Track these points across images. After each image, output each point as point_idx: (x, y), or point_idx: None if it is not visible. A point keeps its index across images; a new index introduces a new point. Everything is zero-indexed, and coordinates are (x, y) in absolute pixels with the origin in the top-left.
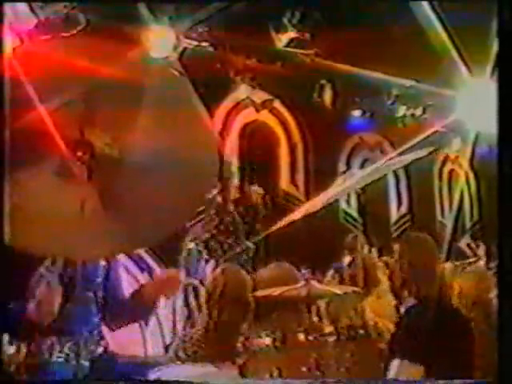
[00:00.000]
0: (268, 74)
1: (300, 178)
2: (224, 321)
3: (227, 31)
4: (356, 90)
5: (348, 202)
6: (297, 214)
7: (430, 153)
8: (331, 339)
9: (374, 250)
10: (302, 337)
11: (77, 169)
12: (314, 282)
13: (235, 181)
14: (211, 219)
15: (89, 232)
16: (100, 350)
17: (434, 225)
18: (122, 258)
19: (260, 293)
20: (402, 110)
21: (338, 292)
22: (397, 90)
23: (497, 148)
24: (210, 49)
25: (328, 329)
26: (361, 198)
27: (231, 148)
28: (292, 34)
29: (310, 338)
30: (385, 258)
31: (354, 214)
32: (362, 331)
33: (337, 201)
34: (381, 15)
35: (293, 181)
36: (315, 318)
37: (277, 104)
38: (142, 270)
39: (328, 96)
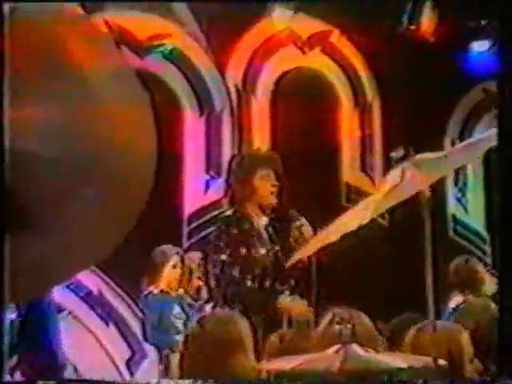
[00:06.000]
0: None
1: (376, 162)
2: None
3: None
4: (475, 8)
5: (463, 204)
6: (331, 234)
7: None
8: None
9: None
10: None
11: None
12: (354, 346)
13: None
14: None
15: None
16: None
17: None
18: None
19: (266, 365)
20: None
21: (401, 366)
22: None
23: None
24: None
25: None
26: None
27: (259, 116)
28: None
29: None
30: None
31: (475, 225)
32: None
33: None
34: None
35: (364, 168)
36: None
37: (335, 38)
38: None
39: (427, 21)
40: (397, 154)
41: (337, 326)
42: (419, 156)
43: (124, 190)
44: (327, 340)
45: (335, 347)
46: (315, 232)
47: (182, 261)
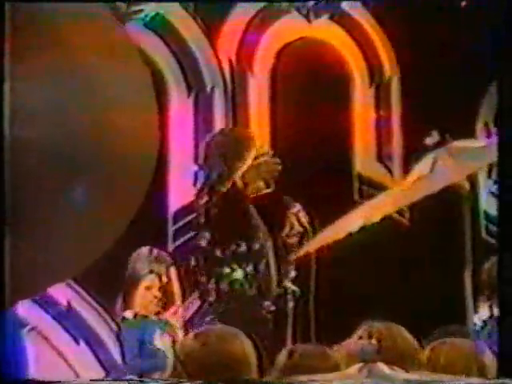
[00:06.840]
0: None
1: (395, 150)
2: None
3: None
4: None
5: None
6: (352, 223)
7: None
8: None
9: None
10: None
11: None
12: (380, 365)
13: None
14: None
15: None
16: None
17: None
18: None
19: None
20: None
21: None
22: None
23: None
24: None
25: None
26: None
27: (257, 96)
28: None
29: None
30: None
31: None
32: None
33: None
34: None
35: (380, 157)
36: None
37: (346, 3)
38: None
39: None
40: (430, 140)
41: (359, 342)
42: (456, 144)
43: (125, 179)
44: (352, 357)
45: (358, 365)
46: (312, 220)
47: (160, 279)
